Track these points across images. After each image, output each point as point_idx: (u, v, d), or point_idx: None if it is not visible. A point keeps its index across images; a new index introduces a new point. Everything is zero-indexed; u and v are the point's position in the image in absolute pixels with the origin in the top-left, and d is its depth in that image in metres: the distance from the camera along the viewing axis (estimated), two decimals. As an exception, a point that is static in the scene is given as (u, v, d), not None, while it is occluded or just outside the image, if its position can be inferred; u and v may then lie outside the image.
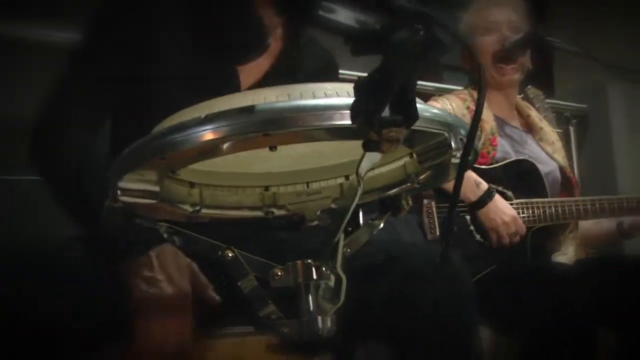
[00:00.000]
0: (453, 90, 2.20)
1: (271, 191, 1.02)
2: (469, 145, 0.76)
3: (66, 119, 1.24)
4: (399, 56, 0.68)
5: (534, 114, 2.17)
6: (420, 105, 0.75)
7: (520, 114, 2.17)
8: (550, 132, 2.15)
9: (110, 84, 1.27)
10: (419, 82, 2.59)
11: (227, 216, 0.99)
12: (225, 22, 1.30)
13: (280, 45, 1.43)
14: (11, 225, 1.61)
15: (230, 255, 0.90)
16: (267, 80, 1.38)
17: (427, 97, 2.37)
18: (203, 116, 0.72)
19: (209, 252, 0.91)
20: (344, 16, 0.69)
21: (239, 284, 0.90)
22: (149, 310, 1.10)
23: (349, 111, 0.71)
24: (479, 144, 1.94)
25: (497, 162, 1.95)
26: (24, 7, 1.74)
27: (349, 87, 0.76)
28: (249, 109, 0.72)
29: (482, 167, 1.92)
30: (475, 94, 2.04)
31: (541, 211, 1.92)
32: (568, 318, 1.61)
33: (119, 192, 0.77)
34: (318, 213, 1.02)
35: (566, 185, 2.09)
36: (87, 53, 1.29)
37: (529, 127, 2.15)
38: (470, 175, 1.85)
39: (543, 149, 2.10)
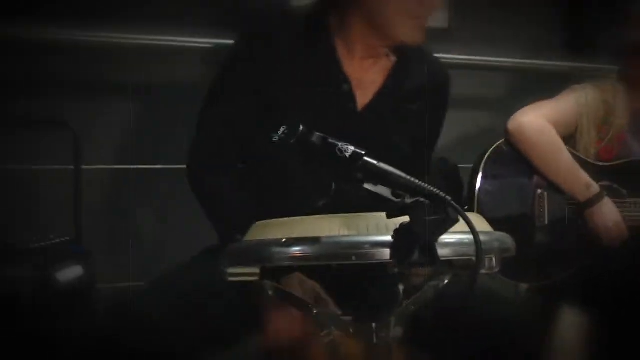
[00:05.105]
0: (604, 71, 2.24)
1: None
2: (477, 266, 0.97)
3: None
4: (422, 224, 0.91)
5: None
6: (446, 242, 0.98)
7: None
8: None
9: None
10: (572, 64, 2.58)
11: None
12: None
13: (391, 61, 1.61)
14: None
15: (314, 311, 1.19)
16: (381, 98, 1.58)
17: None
18: (283, 240, 1.00)
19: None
20: (383, 190, 0.93)
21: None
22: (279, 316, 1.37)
23: (389, 250, 0.96)
24: (606, 139, 2.03)
25: (620, 159, 2.04)
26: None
27: (400, 219, 0.99)
28: (316, 240, 0.98)
29: (599, 163, 2.02)
30: (617, 87, 2.08)
31: (654, 210, 2.01)
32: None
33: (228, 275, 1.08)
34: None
35: None
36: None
37: None
38: (581, 176, 1.97)
39: None
